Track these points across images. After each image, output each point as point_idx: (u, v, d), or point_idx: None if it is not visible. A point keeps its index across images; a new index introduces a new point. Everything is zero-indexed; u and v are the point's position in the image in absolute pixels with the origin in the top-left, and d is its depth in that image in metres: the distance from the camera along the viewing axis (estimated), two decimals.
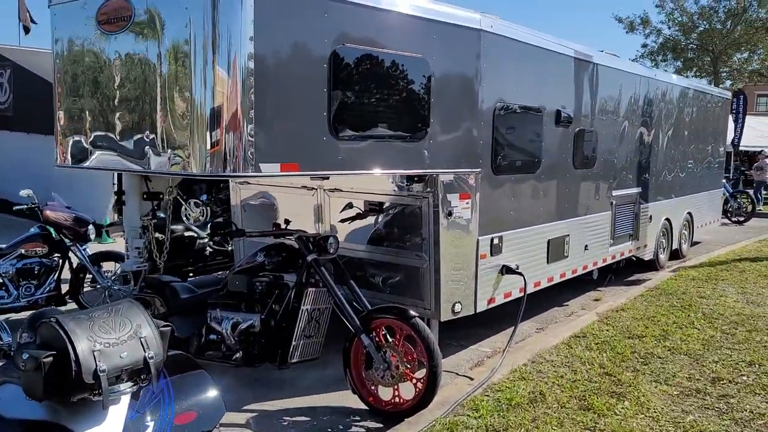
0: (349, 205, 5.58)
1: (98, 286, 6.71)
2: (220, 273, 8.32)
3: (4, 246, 6.39)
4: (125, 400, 2.65)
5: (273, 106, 3.77)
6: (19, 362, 2.48)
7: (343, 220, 5.63)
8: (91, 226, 6.63)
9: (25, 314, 6.26)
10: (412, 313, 4.30)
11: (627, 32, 21.24)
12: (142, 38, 3.84)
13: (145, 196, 4.33)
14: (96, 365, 2.48)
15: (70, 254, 6.54)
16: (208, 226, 8.22)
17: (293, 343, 4.51)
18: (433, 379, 4.18)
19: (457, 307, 5.12)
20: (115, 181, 11.47)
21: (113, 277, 6.82)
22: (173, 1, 3.68)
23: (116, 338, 2.60)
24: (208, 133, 3.63)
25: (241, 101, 3.62)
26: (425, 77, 4.60)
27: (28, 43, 13.98)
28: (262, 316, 4.62)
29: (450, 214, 4.95)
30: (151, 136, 3.87)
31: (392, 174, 4.51)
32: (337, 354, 4.88)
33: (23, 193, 6.39)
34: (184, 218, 10.16)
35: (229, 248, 8.14)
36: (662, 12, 20.80)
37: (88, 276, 6.65)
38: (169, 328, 2.89)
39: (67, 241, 6.43)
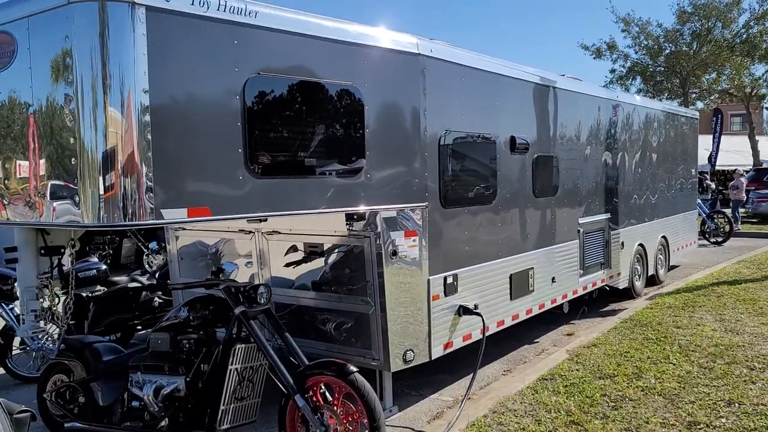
0: (293, 248, 5.15)
1: (27, 348, 6.16)
2: None
3: None
4: None
5: (176, 144, 3.35)
6: None
7: (286, 265, 5.19)
8: (17, 283, 6.12)
9: None
10: (351, 368, 3.84)
11: (594, 58, 21.36)
12: (26, 79, 3.43)
13: (42, 251, 3.87)
14: None
15: None
16: (156, 275, 7.75)
17: (222, 407, 4.02)
18: None
19: (409, 356, 4.66)
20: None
21: (45, 338, 6.29)
22: (57, 37, 3.28)
23: None
24: (100, 178, 3.20)
25: (138, 143, 3.20)
26: (357, 106, 4.22)
27: None
28: (188, 377, 4.13)
29: (395, 253, 4.53)
30: (40, 186, 3.43)
31: (323, 213, 4.11)
32: (276, 415, 4.40)
33: None
34: (146, 266, 9.63)
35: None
36: (628, 36, 20.98)
37: (16, 338, 6.11)
38: (29, 414, 2.42)
39: None
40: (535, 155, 6.19)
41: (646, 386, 4.89)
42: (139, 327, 7.34)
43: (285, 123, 3.87)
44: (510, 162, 5.82)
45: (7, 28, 3.51)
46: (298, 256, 5.13)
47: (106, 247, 11.99)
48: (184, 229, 5.68)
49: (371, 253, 4.50)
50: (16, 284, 6.00)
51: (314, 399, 3.90)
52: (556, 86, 6.58)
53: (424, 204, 4.74)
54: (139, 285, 7.26)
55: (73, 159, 3.28)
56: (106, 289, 7.06)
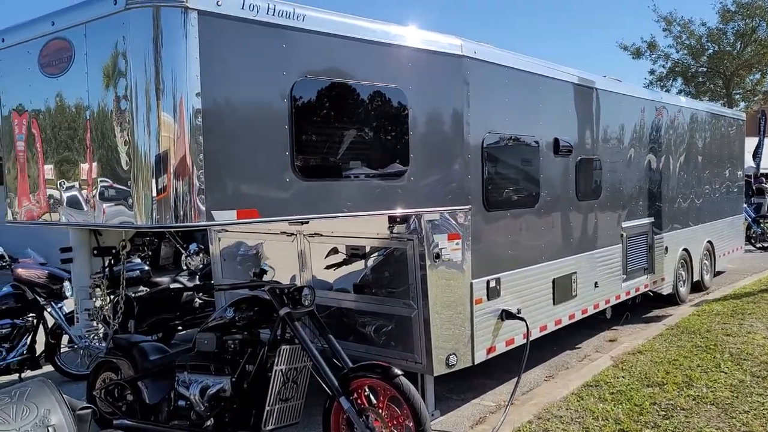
0: (334, 251, 5.16)
1: (76, 347, 6.32)
2: None
3: None
4: None
5: (226, 147, 3.40)
6: None
7: (327, 267, 5.20)
8: (67, 283, 6.28)
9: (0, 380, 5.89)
10: (396, 371, 3.82)
11: (633, 58, 20.93)
12: (82, 83, 3.52)
13: (95, 251, 3.96)
14: None
15: (46, 313, 6.19)
16: (198, 276, 7.86)
17: (267, 408, 4.04)
18: None
19: (452, 360, 4.62)
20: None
21: (92, 337, 6.43)
22: (112, 43, 3.36)
23: (16, 429, 2.18)
24: (153, 180, 3.26)
25: (190, 146, 3.25)
26: (401, 109, 4.22)
27: None
28: (233, 378, 4.17)
29: (438, 256, 4.50)
30: (95, 188, 3.51)
31: (368, 216, 4.11)
32: (320, 416, 4.41)
33: None
34: (184, 267, 9.78)
35: None
36: (669, 35, 20.50)
37: (65, 336, 6.27)
38: (90, 410, 2.47)
39: (41, 299, 6.09)
40: (579, 158, 6.09)
41: (698, 395, 4.75)
42: (180, 327, 7.46)
43: (331, 125, 3.89)
44: (553, 164, 5.74)
45: (64, 34, 3.61)
46: (339, 258, 5.14)
47: (145, 248, 12.24)
48: (227, 230, 5.75)
49: (414, 256, 4.48)
50: (65, 284, 6.18)
51: (359, 401, 3.90)
52: (598, 87, 6.46)
53: (467, 207, 4.70)
54: (181, 286, 7.38)
55: (126, 162, 3.35)
56: (148, 290, 7.19)
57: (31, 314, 6.09)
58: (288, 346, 4.12)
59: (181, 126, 3.25)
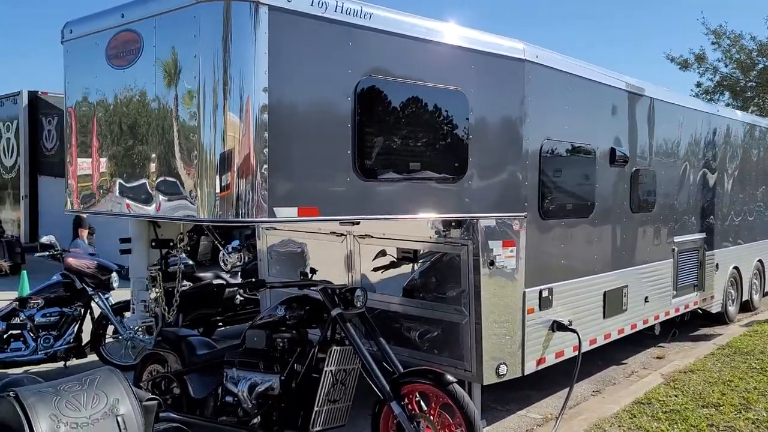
0: (382, 253, 5.12)
1: (120, 338, 6.38)
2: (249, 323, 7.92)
3: (29, 293, 6.17)
4: None
5: (290, 145, 3.38)
6: None
7: (375, 269, 5.16)
8: (114, 274, 6.36)
9: (45, 367, 5.96)
10: (450, 378, 3.75)
11: (681, 69, 20.40)
12: (149, 76, 3.54)
13: (153, 243, 3.98)
14: None
15: (93, 303, 6.27)
16: (239, 273, 7.89)
17: (316, 408, 4.00)
18: None
19: (502, 369, 4.52)
20: None
21: (136, 328, 6.50)
22: (182, 37, 3.37)
23: (86, 417, 2.18)
24: (217, 177, 3.25)
25: (254, 144, 3.24)
26: (463, 112, 4.16)
27: None
28: (282, 376, 4.14)
29: (492, 263, 4.42)
30: (158, 181, 3.53)
31: (426, 219, 4.05)
32: (366, 419, 4.36)
33: (45, 239, 6.19)
34: (222, 264, 9.85)
35: (260, 297, 7.76)
36: (718, 49, 19.96)
37: (110, 326, 6.34)
38: (156, 402, 2.46)
39: (89, 289, 6.17)
40: (634, 169, 5.94)
41: (758, 419, 4.56)
42: (221, 324, 7.49)
43: (393, 126, 3.85)
44: (608, 175, 5.60)
45: (134, 26, 3.64)
46: (387, 260, 5.09)
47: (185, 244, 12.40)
48: (275, 228, 5.75)
49: (468, 261, 4.40)
50: (113, 275, 6.26)
51: (410, 407, 3.83)
52: (655, 97, 6.31)
53: (523, 214, 4.61)
54: (224, 282, 7.42)
55: (190, 157, 3.35)
56: (191, 284, 7.23)
57: (78, 303, 6.17)
58: (339, 347, 4.08)
59: (246, 125, 3.24)
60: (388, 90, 3.78)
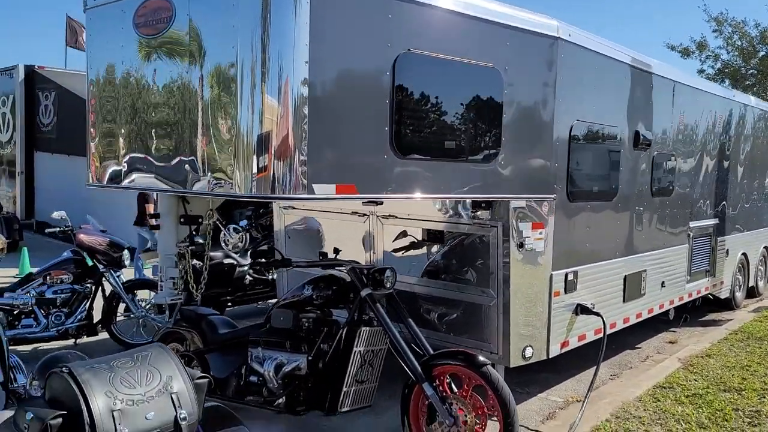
0: (403, 234, 5.05)
1: (132, 316, 6.29)
2: (259, 303, 7.85)
3: (34, 271, 6.05)
4: None
5: (329, 122, 3.29)
6: (22, 424, 1.99)
7: (395, 250, 5.09)
8: (126, 252, 6.25)
9: (55, 345, 5.87)
10: (483, 359, 3.71)
11: (682, 57, 20.36)
12: (182, 47, 3.42)
13: (182, 219, 3.88)
14: (116, 429, 1.98)
15: (104, 281, 6.16)
16: (249, 253, 7.80)
17: (344, 389, 3.96)
18: None
19: (528, 352, 4.49)
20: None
21: (148, 307, 6.41)
22: (219, 10, 3.25)
23: (141, 394, 2.10)
24: (254, 158, 3.16)
25: (293, 126, 3.15)
26: (498, 90, 4.07)
27: (74, 67, 14.05)
28: (309, 357, 4.08)
29: (521, 245, 4.36)
30: (192, 158, 3.42)
31: (460, 199, 3.98)
32: (390, 399, 4.34)
33: (56, 215, 6.06)
34: (223, 244, 9.73)
35: (270, 277, 7.69)
36: (720, 36, 19.90)
37: (121, 304, 6.25)
38: (207, 380, 2.38)
39: (100, 266, 6.06)
40: (656, 152, 5.89)
41: None
42: (230, 303, 7.42)
43: (429, 103, 3.76)
44: (632, 158, 5.55)
45: None
46: (409, 241, 5.03)
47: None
48: (294, 207, 5.66)
49: (497, 243, 4.34)
50: (124, 253, 6.15)
51: (441, 389, 3.79)
52: (678, 81, 6.24)
53: (552, 196, 4.55)
54: (234, 262, 7.32)
55: (227, 133, 3.25)
56: (200, 263, 7.13)
57: (89, 281, 6.07)
58: (368, 328, 4.03)
59: (285, 106, 3.14)
60: (425, 65, 3.68)
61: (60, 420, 1.98)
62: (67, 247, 6.33)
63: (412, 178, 3.69)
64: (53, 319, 5.79)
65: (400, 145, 3.57)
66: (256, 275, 7.55)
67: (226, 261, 7.29)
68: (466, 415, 3.68)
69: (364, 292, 3.99)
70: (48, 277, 5.70)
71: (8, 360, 3.14)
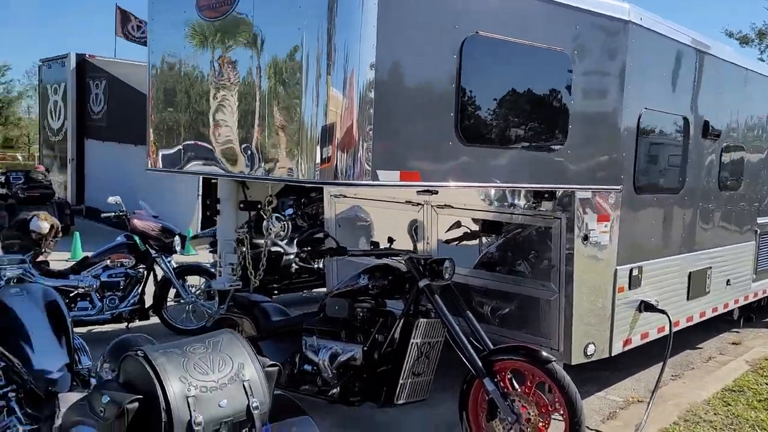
0: (457, 224, 4.92)
1: (182, 301, 6.33)
2: (305, 292, 7.84)
3: (90, 255, 6.13)
4: None
5: (395, 109, 3.19)
6: (98, 407, 1.95)
7: (449, 241, 4.97)
8: (177, 238, 6.29)
9: (108, 328, 5.94)
10: (547, 355, 3.57)
11: (741, 45, 19.55)
12: (246, 32, 3.35)
13: (241, 205, 3.84)
14: (190, 416, 1.92)
15: (155, 266, 6.21)
16: (295, 241, 7.77)
17: (400, 381, 3.87)
18: None
19: (590, 349, 4.32)
20: (200, 192, 11.37)
21: (198, 293, 6.44)
22: (283, 2, 3.16)
23: (215, 381, 2.04)
24: (318, 149, 3.07)
25: (358, 117, 3.05)
26: (566, 76, 3.89)
27: (123, 56, 14.29)
28: (365, 347, 4.00)
29: (586, 238, 4.19)
30: (253, 145, 3.36)
31: (525, 188, 3.84)
32: (444, 393, 4.24)
33: (111, 200, 6.12)
34: (265, 232, 9.75)
35: (316, 266, 7.66)
36: None
37: (172, 290, 6.29)
38: (276, 368, 2.31)
39: (152, 252, 6.11)
40: (724, 144, 5.61)
41: None
42: (276, 291, 7.41)
43: (496, 88, 3.62)
44: (700, 149, 5.29)
45: None
46: (463, 232, 4.91)
47: None
48: (345, 195, 5.58)
49: (560, 235, 4.18)
50: (175, 239, 6.18)
51: (502, 384, 3.66)
52: (751, 69, 5.93)
53: (619, 187, 4.35)
54: (281, 250, 7.31)
55: (289, 120, 3.17)
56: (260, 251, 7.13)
57: (141, 266, 6.12)
58: (425, 320, 3.92)
59: (350, 100, 3.04)
60: (493, 49, 3.54)
61: (136, 404, 1.93)
62: (116, 233, 6.42)
63: (476, 166, 3.56)
64: (108, 302, 5.86)
65: (464, 132, 3.44)
66: (302, 264, 7.53)
67: (273, 249, 7.28)
68: (529, 413, 3.55)
69: (422, 283, 3.89)
70: (110, 261, 5.76)
71: (73, 342, 3.14)
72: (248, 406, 2.08)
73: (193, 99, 3.80)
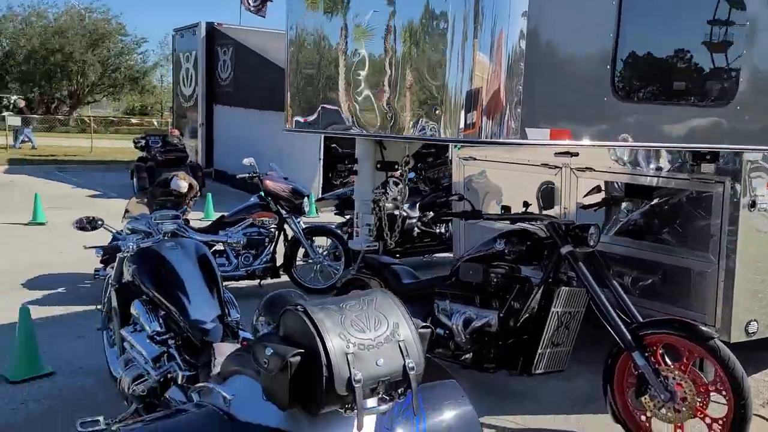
0: (597, 189, 4.61)
1: (310, 261, 6.52)
2: (425, 256, 7.81)
3: (226, 215, 6.43)
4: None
5: (546, 65, 2.96)
6: (262, 358, 1.97)
7: (586, 206, 4.68)
8: (306, 199, 6.45)
9: (242, 284, 6.23)
10: (708, 331, 3.27)
11: None
12: None
13: (378, 165, 3.82)
14: (350, 372, 1.90)
15: (285, 226, 6.42)
16: (417, 205, 7.74)
17: (539, 350, 3.73)
18: (741, 422, 3.12)
19: (752, 327, 3.93)
20: (321, 156, 11.62)
21: (325, 253, 6.60)
22: None
23: (371, 339, 2.00)
24: (462, 110, 2.93)
25: (507, 75, 2.86)
26: (738, 19, 3.45)
27: (247, 24, 14.75)
28: (501, 314, 3.88)
29: (753, 205, 3.77)
30: (392, 106, 3.27)
31: (686, 149, 3.49)
32: (581, 365, 4.06)
33: (246, 161, 6.35)
34: (399, 195, 9.79)
35: (437, 230, 7.60)
36: None
37: (300, 250, 6.48)
38: (429, 330, 2.25)
39: (283, 212, 6.31)
40: None
41: None
42: (398, 254, 7.43)
43: (658, 35, 3.27)
44: None
45: None
46: (603, 197, 4.60)
47: (347, 175, 12.56)
48: (475, 158, 5.42)
49: (724, 201, 3.79)
50: (305, 200, 6.34)
51: (653, 360, 3.41)
52: None
53: None
54: (404, 213, 7.29)
55: (432, 81, 3.04)
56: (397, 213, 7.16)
57: (273, 225, 6.34)
58: (567, 288, 3.74)
59: (498, 63, 2.85)
60: None
61: (299, 358, 1.93)
62: (242, 194, 6.68)
63: (632, 124, 3.26)
64: (242, 260, 6.14)
65: (621, 87, 3.15)
66: (423, 228, 7.50)
67: (395, 212, 7.29)
68: (685, 392, 3.28)
69: (564, 250, 3.69)
70: (253, 219, 6.02)
71: (223, 295, 3.27)
72: (404, 366, 2.03)
73: (329, 62, 3.77)
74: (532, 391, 4.09)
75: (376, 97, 3.42)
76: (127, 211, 6.07)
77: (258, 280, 6.32)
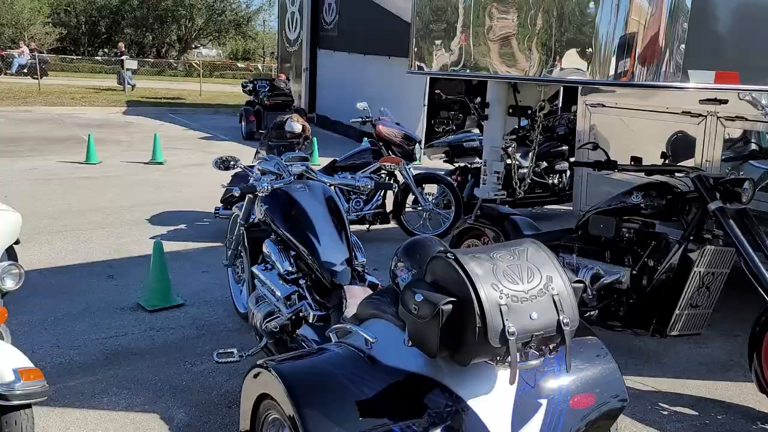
0: (744, 140, 4.20)
1: (419, 208, 6.46)
2: (535, 208, 7.55)
3: (338, 159, 6.46)
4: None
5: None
6: (411, 305, 1.93)
7: (732, 159, 4.28)
8: (417, 146, 6.35)
9: (353, 229, 6.25)
10: None
11: None
12: None
13: (510, 110, 3.62)
14: (504, 325, 1.82)
15: (396, 172, 6.35)
16: (530, 155, 7.44)
17: (676, 311, 3.49)
18: None
19: None
20: (426, 102, 11.41)
21: (434, 201, 6.52)
22: None
23: (525, 291, 1.90)
24: (614, 55, 2.67)
25: (668, 18, 2.56)
26: None
27: None
28: (634, 271, 3.66)
29: None
30: (532, 47, 3.04)
31: None
32: (713, 330, 3.79)
33: (360, 105, 6.31)
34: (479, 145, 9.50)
35: (550, 181, 7.30)
36: None
37: (410, 196, 6.43)
38: (582, 284, 2.11)
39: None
40: None
41: None
42: (508, 205, 7.22)
43: None
44: None
45: None
46: (750, 149, 4.17)
47: (450, 122, 12.29)
48: (604, 105, 5.07)
49: None
50: (416, 146, 6.22)
51: None
52: None
53: None
54: (517, 162, 7.03)
55: (580, 20, 2.79)
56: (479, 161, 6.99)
57: (383, 171, 6.30)
58: (712, 247, 3.44)
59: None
60: None
61: (451, 306, 1.86)
62: (345, 141, 6.65)
63: None
64: (353, 204, 6.17)
65: None
66: (536, 178, 7.22)
67: (507, 161, 7.05)
68: None
69: (713, 206, 3.39)
70: (381, 164, 5.96)
71: (351, 238, 3.27)
72: (558, 321, 1.93)
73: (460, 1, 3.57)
74: (660, 354, 3.88)
75: (515, 38, 3.21)
76: (257, 152, 6.22)
77: (367, 225, 6.35)
